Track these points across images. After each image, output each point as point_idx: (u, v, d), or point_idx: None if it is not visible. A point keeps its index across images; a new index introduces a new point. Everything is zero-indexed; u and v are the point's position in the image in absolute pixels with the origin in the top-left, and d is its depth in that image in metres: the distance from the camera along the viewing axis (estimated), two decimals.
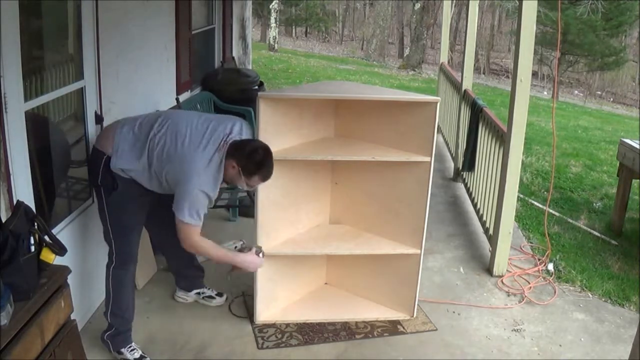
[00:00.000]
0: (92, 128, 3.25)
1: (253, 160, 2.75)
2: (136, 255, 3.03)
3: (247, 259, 3.01)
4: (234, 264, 3.02)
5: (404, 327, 3.33)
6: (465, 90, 5.66)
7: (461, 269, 4.05)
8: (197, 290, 3.50)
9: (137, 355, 2.94)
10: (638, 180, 5.16)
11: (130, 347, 2.96)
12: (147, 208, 3.01)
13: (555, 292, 3.80)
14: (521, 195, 5.35)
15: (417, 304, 3.41)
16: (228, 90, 5.62)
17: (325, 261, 3.66)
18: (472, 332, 3.33)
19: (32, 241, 2.14)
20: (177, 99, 4.63)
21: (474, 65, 6.45)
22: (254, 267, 3.08)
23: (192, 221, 2.70)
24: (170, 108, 4.35)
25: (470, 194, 5.11)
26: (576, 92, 21.17)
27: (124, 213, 2.91)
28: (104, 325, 3.02)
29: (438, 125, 3.26)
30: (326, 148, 3.28)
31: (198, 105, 5.51)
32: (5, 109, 2.36)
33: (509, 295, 3.74)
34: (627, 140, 4.81)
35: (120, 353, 2.94)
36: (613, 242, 4.72)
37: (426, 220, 3.23)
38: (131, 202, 2.89)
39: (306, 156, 3.18)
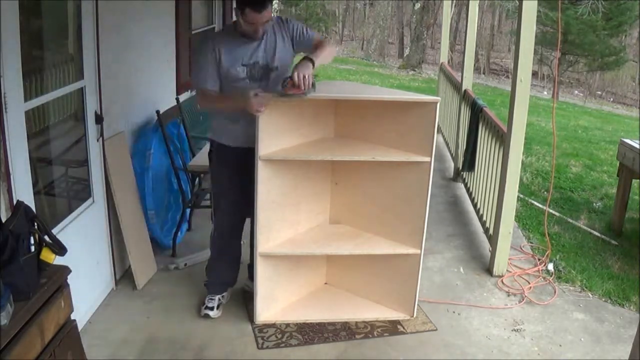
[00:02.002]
0: (92, 128, 3.25)
1: None
2: (233, 230, 3.35)
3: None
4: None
5: (404, 327, 3.33)
6: (465, 90, 5.66)
7: (461, 269, 4.05)
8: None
9: (210, 304, 3.34)
10: (638, 180, 5.15)
11: (211, 297, 3.39)
12: (238, 181, 3.23)
13: (555, 292, 3.80)
14: (521, 195, 5.35)
15: (417, 304, 3.41)
16: None
17: (325, 261, 3.66)
18: (472, 332, 3.33)
19: (32, 241, 2.14)
20: (177, 99, 4.63)
21: (474, 65, 6.45)
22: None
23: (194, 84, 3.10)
24: (170, 108, 4.36)
25: (470, 194, 5.11)
26: (576, 92, 21.16)
27: (217, 181, 3.33)
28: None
29: (438, 125, 3.26)
30: (326, 148, 3.28)
31: (198, 105, 5.50)
32: (5, 109, 2.36)
33: (509, 295, 3.74)
34: (627, 140, 4.81)
35: (207, 297, 3.40)
36: (613, 242, 4.72)
37: (426, 220, 3.23)
38: (220, 169, 3.28)
39: (306, 156, 3.18)
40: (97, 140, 3.32)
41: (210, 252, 3.48)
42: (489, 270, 4.01)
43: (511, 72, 4.25)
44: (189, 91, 5.43)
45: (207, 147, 4.57)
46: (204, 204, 4.28)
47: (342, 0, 29.81)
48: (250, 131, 2.99)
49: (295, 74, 2.79)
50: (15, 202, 2.37)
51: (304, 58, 2.91)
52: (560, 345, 3.25)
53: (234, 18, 3.00)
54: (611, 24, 16.91)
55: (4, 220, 2.15)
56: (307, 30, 3.12)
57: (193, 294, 3.58)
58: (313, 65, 2.87)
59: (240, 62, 3.00)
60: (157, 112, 3.97)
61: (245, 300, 3.51)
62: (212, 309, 3.32)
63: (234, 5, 2.93)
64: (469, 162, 5.00)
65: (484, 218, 4.44)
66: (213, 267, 3.46)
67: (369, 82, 13.10)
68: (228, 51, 2.98)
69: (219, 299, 3.39)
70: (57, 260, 2.24)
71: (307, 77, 2.80)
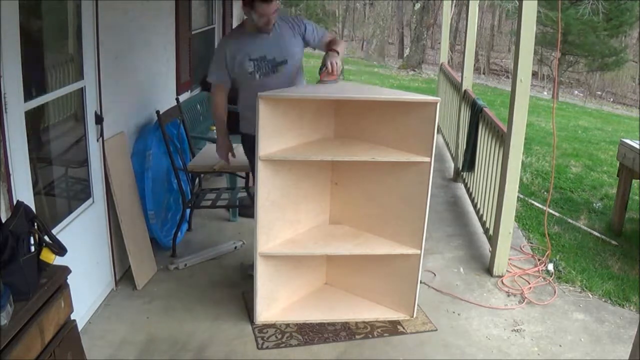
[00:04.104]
0: (92, 128, 3.25)
1: None
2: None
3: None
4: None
5: (404, 328, 3.33)
6: (465, 91, 5.66)
7: (461, 269, 4.05)
8: None
9: None
10: (638, 180, 5.16)
11: None
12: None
13: (555, 292, 3.80)
14: (521, 195, 5.35)
15: (417, 304, 3.41)
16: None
17: (325, 261, 3.66)
18: (472, 332, 3.33)
19: (32, 241, 2.14)
20: (177, 99, 4.63)
21: (474, 65, 6.45)
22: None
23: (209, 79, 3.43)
24: (170, 108, 4.36)
25: (470, 194, 5.11)
26: (576, 92, 21.15)
27: (250, 158, 3.50)
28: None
29: (438, 125, 3.27)
30: (326, 148, 3.28)
31: (198, 106, 5.52)
32: (5, 109, 2.36)
33: (508, 296, 3.74)
34: (627, 141, 4.81)
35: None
36: (613, 242, 4.72)
37: (426, 221, 3.23)
38: (250, 151, 3.34)
39: (306, 156, 3.18)
40: (97, 141, 3.32)
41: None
42: (489, 270, 4.01)
43: (511, 72, 4.25)
44: (189, 91, 5.44)
45: (207, 147, 4.60)
46: (203, 204, 4.29)
47: (342, 0, 29.81)
48: None
49: (329, 62, 3.19)
50: (15, 202, 2.37)
51: (330, 50, 3.27)
52: (560, 346, 3.25)
53: (232, 18, 3.07)
54: (611, 24, 16.90)
55: (4, 220, 2.15)
56: (317, 28, 3.38)
57: (193, 294, 3.59)
58: (338, 55, 3.26)
59: (249, 57, 3.25)
60: (157, 112, 3.97)
61: (245, 301, 3.51)
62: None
63: (242, 4, 3.15)
64: (469, 162, 5.00)
65: (484, 218, 4.44)
66: None
67: (369, 82, 13.09)
68: (237, 49, 3.27)
69: None
70: (57, 260, 2.24)
71: (338, 64, 3.21)
